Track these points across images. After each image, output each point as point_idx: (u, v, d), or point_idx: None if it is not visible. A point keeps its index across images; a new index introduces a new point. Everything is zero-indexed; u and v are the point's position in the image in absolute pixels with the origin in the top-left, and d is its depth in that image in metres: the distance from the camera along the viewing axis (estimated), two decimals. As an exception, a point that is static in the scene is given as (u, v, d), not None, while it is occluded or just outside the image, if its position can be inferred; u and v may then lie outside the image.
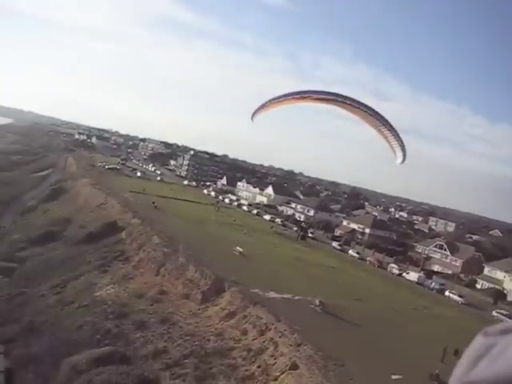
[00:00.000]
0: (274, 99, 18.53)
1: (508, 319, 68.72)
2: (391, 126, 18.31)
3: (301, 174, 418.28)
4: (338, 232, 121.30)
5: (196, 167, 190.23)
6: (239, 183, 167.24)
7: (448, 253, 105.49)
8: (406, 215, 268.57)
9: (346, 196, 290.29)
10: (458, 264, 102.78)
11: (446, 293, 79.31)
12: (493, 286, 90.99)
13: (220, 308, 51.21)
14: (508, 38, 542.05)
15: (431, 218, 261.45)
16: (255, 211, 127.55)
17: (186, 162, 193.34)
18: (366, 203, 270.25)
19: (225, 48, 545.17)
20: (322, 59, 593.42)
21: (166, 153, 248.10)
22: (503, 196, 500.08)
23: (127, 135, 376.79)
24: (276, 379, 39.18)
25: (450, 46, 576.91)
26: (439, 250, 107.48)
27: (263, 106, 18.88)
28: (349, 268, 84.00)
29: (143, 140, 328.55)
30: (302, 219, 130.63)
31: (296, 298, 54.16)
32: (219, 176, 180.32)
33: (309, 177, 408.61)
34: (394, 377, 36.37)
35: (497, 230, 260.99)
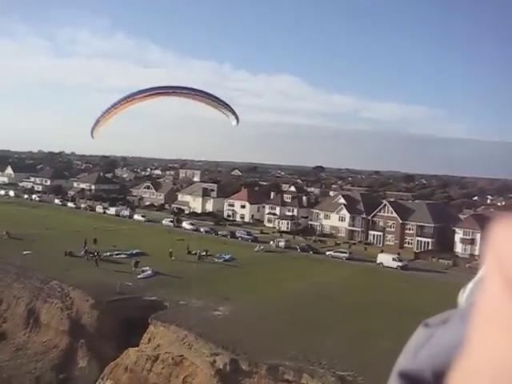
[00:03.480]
0: (106, 110, 18.86)
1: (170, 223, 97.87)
2: (218, 98, 20.12)
3: (73, 153, 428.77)
4: (71, 193, 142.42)
5: None
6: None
7: (154, 190, 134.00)
8: (160, 172, 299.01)
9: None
10: (161, 197, 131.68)
11: (135, 216, 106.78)
12: (181, 206, 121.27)
13: None
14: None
15: (181, 170, 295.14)
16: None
17: None
18: (124, 168, 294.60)
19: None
20: (79, 34, 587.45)
21: None
22: (262, 140, 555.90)
23: None
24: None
25: (210, 10, 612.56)
26: (147, 190, 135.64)
27: (98, 122, 19.19)
28: (62, 214, 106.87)
29: None
30: (40, 188, 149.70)
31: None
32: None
33: (82, 155, 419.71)
34: (24, 252, 60.78)
35: (237, 170, 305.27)
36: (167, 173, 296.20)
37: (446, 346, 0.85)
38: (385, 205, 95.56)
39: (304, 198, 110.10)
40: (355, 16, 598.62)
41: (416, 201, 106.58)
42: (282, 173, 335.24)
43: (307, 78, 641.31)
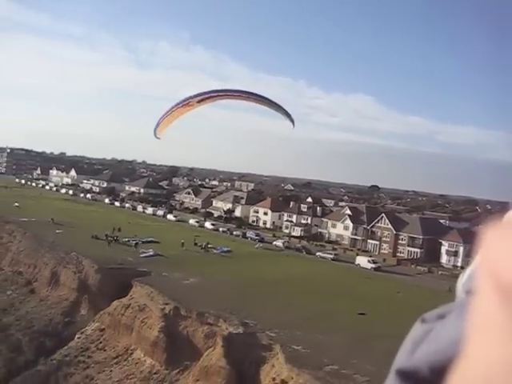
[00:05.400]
0: (166, 113, 18.85)
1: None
2: (272, 100, 20.89)
3: (143, 162, 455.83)
4: (122, 195, 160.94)
5: (14, 163, 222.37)
6: (51, 171, 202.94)
7: (193, 196, 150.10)
8: (217, 183, 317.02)
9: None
10: (199, 202, 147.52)
11: (168, 216, 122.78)
12: (215, 211, 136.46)
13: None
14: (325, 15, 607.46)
15: (237, 182, 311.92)
16: (55, 189, 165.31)
17: (4, 160, 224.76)
18: (185, 178, 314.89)
19: (55, 42, 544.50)
20: (159, 46, 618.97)
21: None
22: (334, 158, 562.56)
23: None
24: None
25: (285, 26, 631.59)
26: (188, 195, 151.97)
27: (158, 125, 19.21)
28: (107, 211, 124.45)
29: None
30: (97, 190, 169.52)
31: (41, 220, 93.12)
32: (35, 168, 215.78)
33: (153, 164, 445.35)
34: (57, 231, 77.18)
35: (289, 184, 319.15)
36: (224, 183, 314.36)
37: (444, 343, 0.85)
38: (382, 217, 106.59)
39: (318, 208, 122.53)
40: (433, 37, 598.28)
41: (413, 215, 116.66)
42: (343, 190, 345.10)
43: (382, 98, 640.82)
